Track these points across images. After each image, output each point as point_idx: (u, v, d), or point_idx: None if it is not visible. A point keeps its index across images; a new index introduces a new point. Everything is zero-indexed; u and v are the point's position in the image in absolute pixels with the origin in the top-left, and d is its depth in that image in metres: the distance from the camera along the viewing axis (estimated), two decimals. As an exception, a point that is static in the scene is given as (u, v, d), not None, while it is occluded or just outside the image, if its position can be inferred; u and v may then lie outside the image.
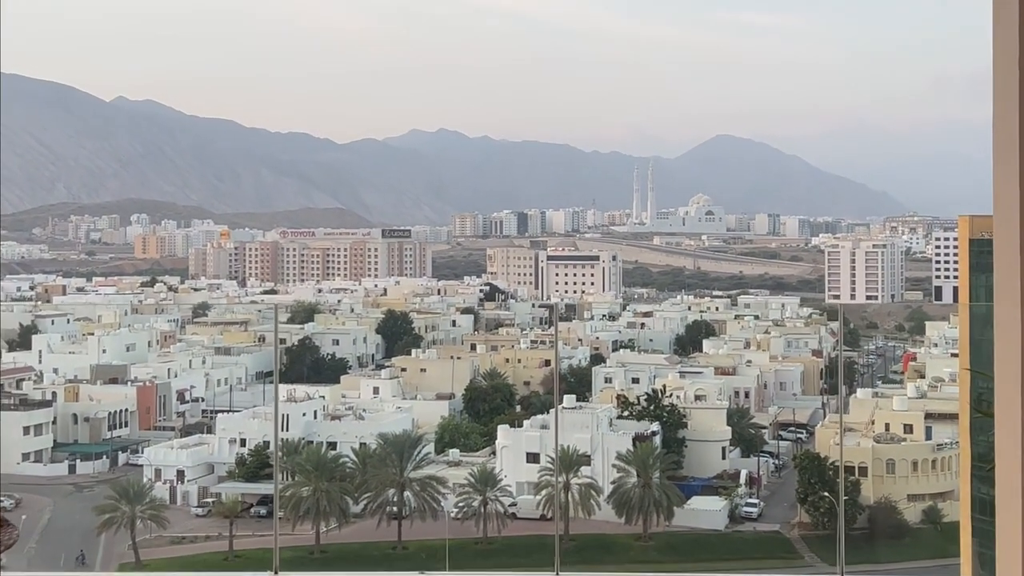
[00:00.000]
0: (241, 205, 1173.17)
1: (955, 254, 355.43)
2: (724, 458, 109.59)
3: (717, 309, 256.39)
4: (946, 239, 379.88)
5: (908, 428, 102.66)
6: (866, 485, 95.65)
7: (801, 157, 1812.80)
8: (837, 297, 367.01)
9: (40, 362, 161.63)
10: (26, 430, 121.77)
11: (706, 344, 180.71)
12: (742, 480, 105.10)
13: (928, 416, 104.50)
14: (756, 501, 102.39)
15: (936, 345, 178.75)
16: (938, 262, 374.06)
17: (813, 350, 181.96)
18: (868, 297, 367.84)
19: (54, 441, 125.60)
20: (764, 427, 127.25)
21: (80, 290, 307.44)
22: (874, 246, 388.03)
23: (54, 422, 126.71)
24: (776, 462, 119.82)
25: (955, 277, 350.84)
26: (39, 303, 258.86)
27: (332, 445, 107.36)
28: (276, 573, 17.41)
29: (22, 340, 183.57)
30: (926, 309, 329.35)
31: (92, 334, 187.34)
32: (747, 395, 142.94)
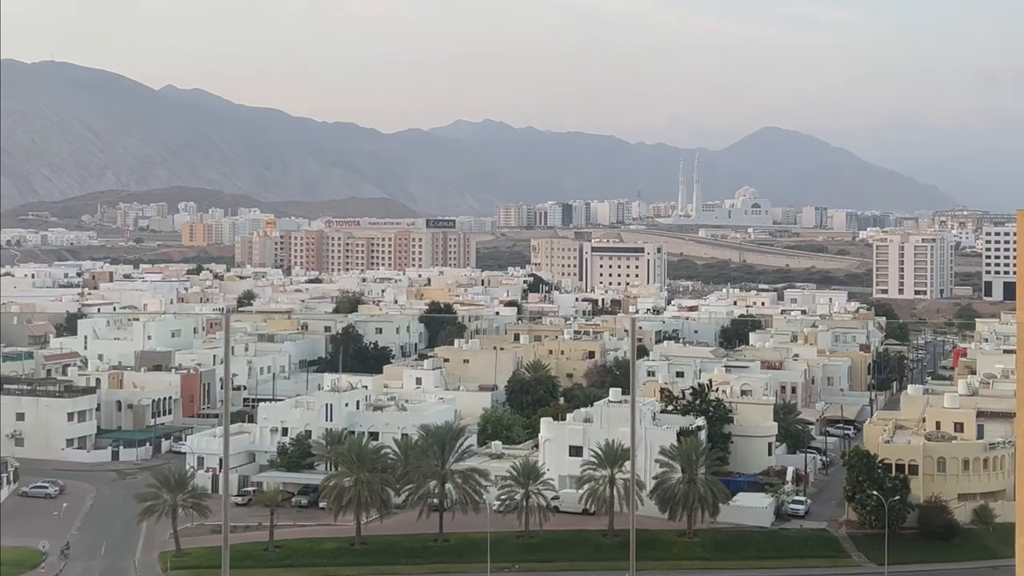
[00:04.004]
0: (287, 194, 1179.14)
1: (1006, 249, 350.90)
2: (770, 454, 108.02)
3: (763, 304, 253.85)
4: (997, 234, 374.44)
5: (959, 427, 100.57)
6: (916, 484, 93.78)
7: (849, 150, 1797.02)
8: (885, 292, 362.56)
9: (85, 348, 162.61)
10: (70, 416, 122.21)
11: (752, 337, 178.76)
12: (789, 477, 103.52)
13: (980, 414, 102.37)
14: (803, 498, 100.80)
15: (987, 341, 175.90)
16: (988, 257, 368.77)
17: (861, 345, 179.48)
18: (916, 292, 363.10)
19: (98, 428, 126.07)
20: (811, 423, 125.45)
21: (127, 277, 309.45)
22: (923, 240, 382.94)
23: (98, 409, 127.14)
24: (823, 459, 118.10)
25: (1006, 273, 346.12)
26: (87, 289, 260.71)
27: (374, 436, 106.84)
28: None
29: (68, 326, 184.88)
30: (975, 305, 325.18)
31: (137, 320, 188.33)
32: (794, 390, 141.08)
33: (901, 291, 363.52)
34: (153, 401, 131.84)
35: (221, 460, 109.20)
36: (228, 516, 24.99)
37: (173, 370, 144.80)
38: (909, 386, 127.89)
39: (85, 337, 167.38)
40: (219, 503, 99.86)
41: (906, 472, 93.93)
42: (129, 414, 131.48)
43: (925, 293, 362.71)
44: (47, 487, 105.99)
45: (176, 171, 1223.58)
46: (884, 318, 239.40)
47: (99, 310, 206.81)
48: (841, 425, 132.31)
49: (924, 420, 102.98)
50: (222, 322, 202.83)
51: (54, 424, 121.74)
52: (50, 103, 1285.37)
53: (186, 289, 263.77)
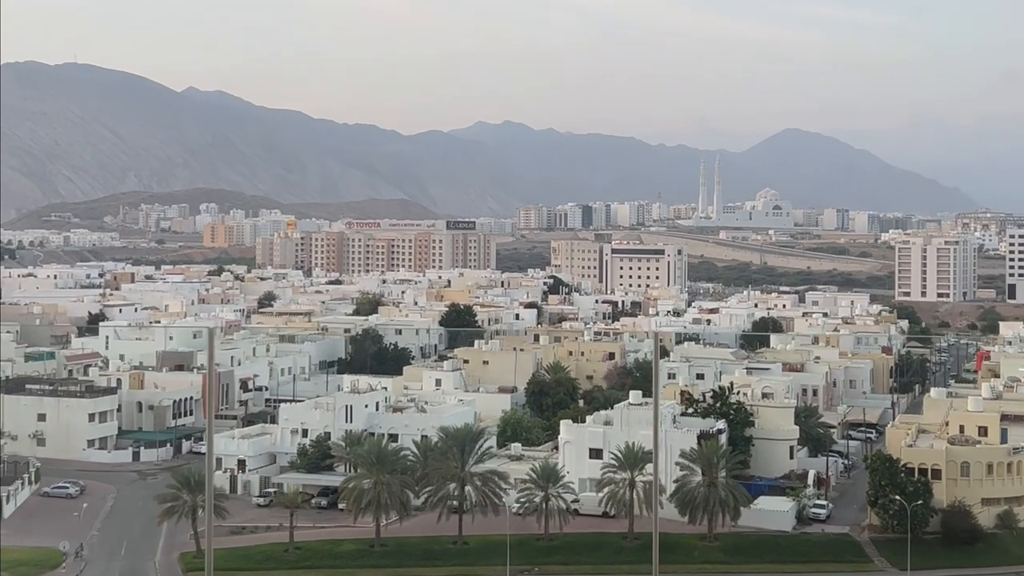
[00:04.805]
0: (308, 195, 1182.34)
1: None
2: (792, 458, 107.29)
3: (785, 306, 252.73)
4: (1021, 236, 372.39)
5: (982, 430, 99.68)
6: (939, 488, 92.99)
7: (870, 151, 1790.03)
8: (907, 294, 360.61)
9: (107, 348, 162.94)
10: (91, 417, 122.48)
11: (773, 339, 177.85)
12: (810, 481, 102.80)
13: (1004, 418, 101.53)
14: (824, 502, 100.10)
15: (1011, 344, 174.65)
16: (1012, 260, 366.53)
17: (883, 347, 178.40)
18: (939, 295, 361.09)
19: (119, 428, 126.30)
20: (833, 426, 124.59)
21: (149, 278, 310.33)
22: (946, 243, 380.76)
23: (119, 409, 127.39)
24: (845, 462, 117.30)
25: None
26: (108, 290, 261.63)
27: (393, 437, 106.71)
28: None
29: (90, 326, 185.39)
30: (999, 308, 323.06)
31: (159, 322, 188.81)
32: (815, 393, 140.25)
33: (924, 294, 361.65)
34: (174, 402, 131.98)
35: (240, 461, 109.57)
36: (212, 521, 24.73)
37: (195, 370, 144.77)
38: (932, 389, 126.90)
39: (107, 337, 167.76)
40: (238, 504, 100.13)
41: (929, 476, 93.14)
42: (150, 415, 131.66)
43: (948, 296, 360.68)
44: (68, 487, 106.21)
45: (197, 172, 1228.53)
46: (906, 321, 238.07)
47: (120, 311, 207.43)
48: (863, 428, 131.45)
49: (947, 424, 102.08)
50: (240, 323, 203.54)
51: (75, 424, 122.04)
52: (73, 105, 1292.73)
53: (207, 290, 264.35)
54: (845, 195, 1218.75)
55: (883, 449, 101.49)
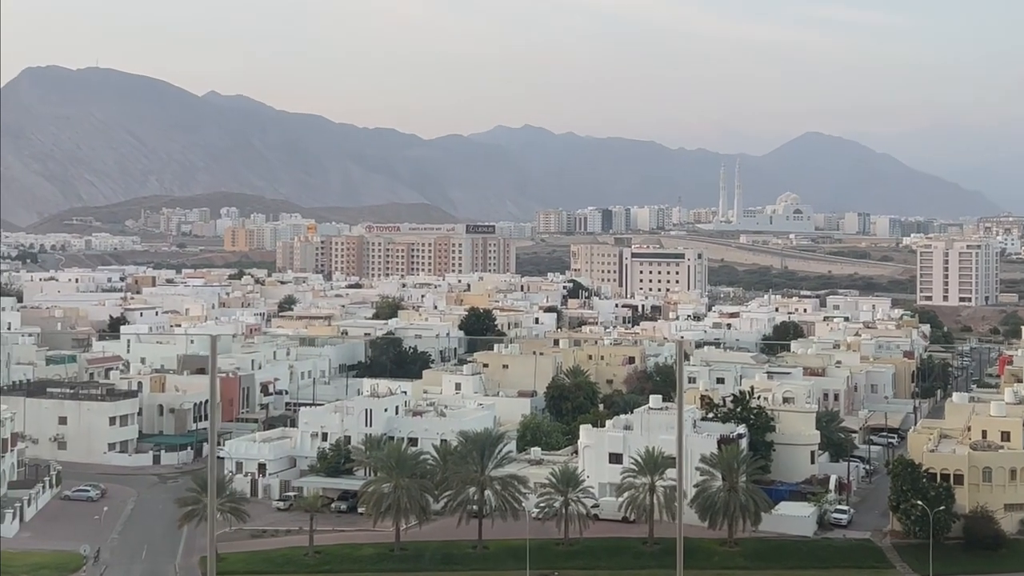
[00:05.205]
0: (328, 199, 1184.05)
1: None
2: (813, 463, 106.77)
3: (805, 310, 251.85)
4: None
5: (1005, 435, 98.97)
6: (961, 493, 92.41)
7: (892, 155, 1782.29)
8: (929, 299, 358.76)
9: (128, 352, 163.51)
10: (112, 420, 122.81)
11: (794, 344, 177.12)
12: (831, 486, 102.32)
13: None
14: (846, 508, 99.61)
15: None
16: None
17: (905, 352, 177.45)
18: (961, 299, 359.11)
19: (139, 432, 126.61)
20: (854, 431, 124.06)
21: (170, 282, 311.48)
22: (968, 247, 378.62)
23: (140, 413, 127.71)
24: (867, 467, 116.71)
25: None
26: (130, 294, 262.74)
27: (413, 441, 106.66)
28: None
29: (112, 330, 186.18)
30: (1021, 312, 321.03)
31: (179, 325, 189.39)
32: (836, 398, 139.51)
33: (946, 298, 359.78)
34: (195, 405, 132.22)
35: (260, 465, 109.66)
36: (214, 527, 24.64)
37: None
38: (954, 394, 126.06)
39: (128, 341, 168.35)
40: (258, 508, 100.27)
41: (951, 481, 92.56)
42: (171, 418, 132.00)
43: (970, 300, 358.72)
44: (89, 491, 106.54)
45: (218, 176, 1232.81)
46: (928, 325, 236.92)
47: (141, 314, 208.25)
48: (885, 433, 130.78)
49: (969, 429, 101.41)
50: (261, 327, 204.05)
51: (96, 428, 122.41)
52: (95, 109, 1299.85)
53: (227, 294, 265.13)
54: (866, 199, 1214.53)
55: (905, 454, 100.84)
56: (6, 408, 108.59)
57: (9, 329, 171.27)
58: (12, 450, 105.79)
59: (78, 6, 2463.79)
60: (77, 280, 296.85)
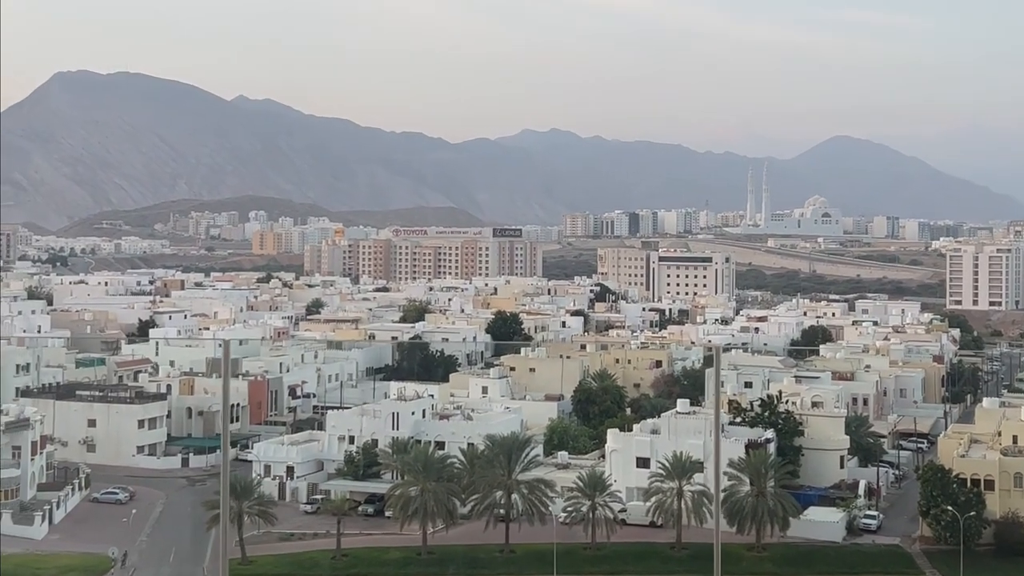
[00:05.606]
0: (356, 203, 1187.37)
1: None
2: (842, 468, 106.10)
3: (834, 314, 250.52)
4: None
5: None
6: (991, 499, 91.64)
7: (921, 159, 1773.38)
8: (959, 303, 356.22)
9: (157, 354, 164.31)
10: (141, 423, 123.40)
11: (823, 348, 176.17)
12: (861, 491, 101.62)
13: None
14: (875, 513, 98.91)
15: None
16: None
17: (934, 356, 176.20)
18: (991, 303, 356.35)
19: (168, 434, 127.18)
20: (883, 436, 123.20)
21: (198, 285, 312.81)
22: (998, 251, 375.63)
23: (168, 415, 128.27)
24: (896, 472, 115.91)
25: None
26: (158, 297, 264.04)
27: (440, 445, 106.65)
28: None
29: (141, 333, 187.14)
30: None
31: (208, 329, 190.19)
32: (865, 402, 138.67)
33: (975, 302, 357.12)
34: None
35: (288, 467, 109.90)
36: (227, 534, 24.58)
37: (240, 376, 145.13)
38: (984, 399, 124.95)
39: (156, 343, 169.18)
40: (286, 511, 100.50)
41: (981, 487, 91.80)
42: (199, 421, 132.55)
43: (1000, 304, 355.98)
44: (117, 493, 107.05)
45: (247, 180, 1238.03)
46: (958, 330, 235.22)
47: (170, 317, 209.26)
48: (914, 438, 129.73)
49: (1000, 434, 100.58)
50: (288, 330, 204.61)
51: (125, 430, 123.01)
52: (124, 113, 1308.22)
53: (256, 297, 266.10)
54: (895, 202, 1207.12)
55: (935, 459, 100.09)
56: (36, 411, 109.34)
57: (39, 332, 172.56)
58: (41, 452, 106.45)
59: (108, 11, 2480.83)
60: (107, 283, 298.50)
